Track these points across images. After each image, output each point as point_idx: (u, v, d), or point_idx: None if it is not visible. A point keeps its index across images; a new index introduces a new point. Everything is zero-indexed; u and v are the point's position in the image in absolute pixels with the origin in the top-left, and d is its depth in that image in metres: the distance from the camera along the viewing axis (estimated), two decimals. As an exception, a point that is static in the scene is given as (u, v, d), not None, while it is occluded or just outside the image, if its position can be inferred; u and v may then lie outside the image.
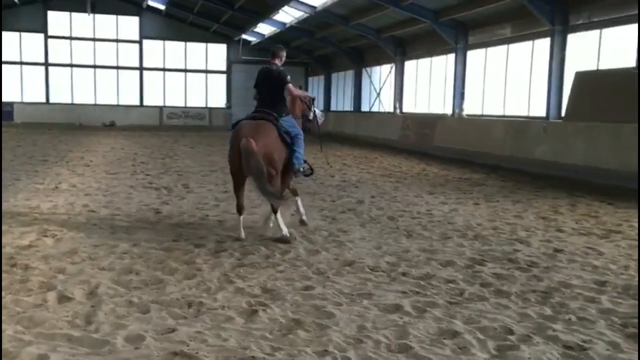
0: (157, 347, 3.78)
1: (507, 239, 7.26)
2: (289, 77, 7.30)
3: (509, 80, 17.95)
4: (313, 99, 8.20)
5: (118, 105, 34.55)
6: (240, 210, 7.08)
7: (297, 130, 7.34)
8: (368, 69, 28.80)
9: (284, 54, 7.60)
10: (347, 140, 25.40)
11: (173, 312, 4.44)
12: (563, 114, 15.02)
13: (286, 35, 30.06)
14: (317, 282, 5.34)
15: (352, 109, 30.32)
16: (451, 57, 20.54)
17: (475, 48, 19.51)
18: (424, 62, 23.30)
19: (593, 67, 14.44)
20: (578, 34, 15.00)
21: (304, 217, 7.83)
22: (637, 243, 7.12)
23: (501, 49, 18.21)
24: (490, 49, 18.81)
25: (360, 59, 29.17)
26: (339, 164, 16.16)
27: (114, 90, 34.76)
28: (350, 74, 30.55)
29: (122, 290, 4.95)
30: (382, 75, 27.37)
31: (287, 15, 26.41)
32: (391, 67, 25.68)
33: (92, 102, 34.34)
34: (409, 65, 24.49)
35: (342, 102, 32.65)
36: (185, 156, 17.45)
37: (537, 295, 5.06)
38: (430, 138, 20.46)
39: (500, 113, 18.17)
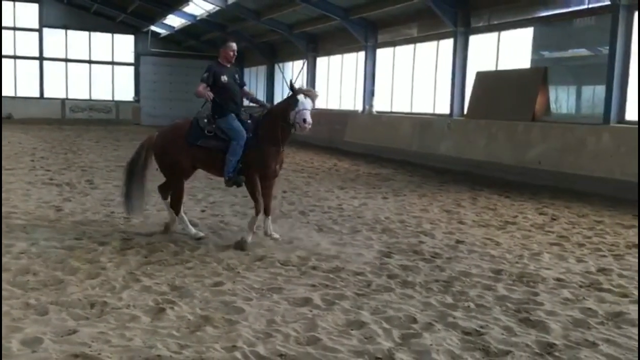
0: (56, 350, 3.61)
1: (413, 232, 7.53)
2: (204, 75, 6.66)
3: (416, 78, 18.54)
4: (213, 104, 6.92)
5: (15, 97, 32.40)
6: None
7: (235, 133, 6.58)
8: (281, 65, 28.78)
9: (226, 47, 6.80)
10: (259, 136, 25.25)
11: (74, 313, 4.26)
12: (465, 111, 15.73)
13: (197, 28, 29.43)
14: (227, 278, 5.31)
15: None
16: (361, 54, 20.93)
17: (384, 46, 19.99)
18: (336, 58, 23.60)
19: (492, 68, 15.20)
20: (479, 35, 15.74)
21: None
22: (529, 233, 7.60)
23: (408, 48, 18.77)
24: (398, 48, 19.34)
25: (273, 54, 29.10)
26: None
27: (11, 81, 32.57)
28: (262, 69, 30.41)
29: (18, 292, 4.69)
30: (294, 71, 27.44)
31: (198, 7, 25.85)
32: (303, 63, 25.81)
33: (-15, 93, 32.05)
34: (321, 61, 24.71)
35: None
36: (90, 151, 16.72)
37: (439, 285, 5.29)
38: (341, 134, 20.79)
39: (408, 110, 18.74)
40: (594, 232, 7.75)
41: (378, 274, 5.61)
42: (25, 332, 3.88)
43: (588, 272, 5.82)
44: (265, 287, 5.07)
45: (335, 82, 23.75)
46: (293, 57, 26.99)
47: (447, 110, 16.45)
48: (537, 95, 13.43)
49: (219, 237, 6.84)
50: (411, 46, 18.63)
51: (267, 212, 6.78)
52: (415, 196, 10.51)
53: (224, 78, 6.73)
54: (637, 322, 4.39)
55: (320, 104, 24.59)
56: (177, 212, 6.88)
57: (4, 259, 5.55)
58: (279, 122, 6.63)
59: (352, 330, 4.16)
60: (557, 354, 3.82)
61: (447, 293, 5.07)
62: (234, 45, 6.86)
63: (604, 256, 6.48)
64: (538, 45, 14.32)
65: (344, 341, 3.94)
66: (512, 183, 12.26)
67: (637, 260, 6.28)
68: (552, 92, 13.84)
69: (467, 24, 15.82)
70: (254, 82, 32.16)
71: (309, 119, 6.37)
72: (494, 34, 15.22)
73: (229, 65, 6.88)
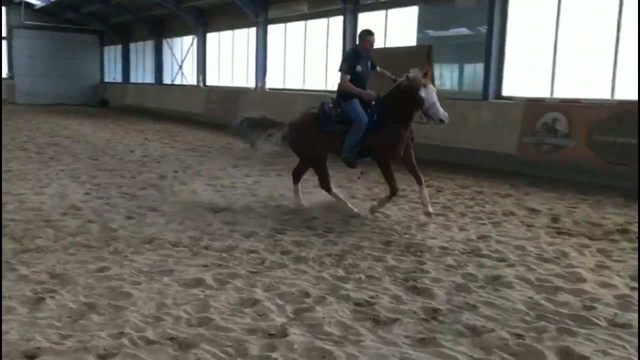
0: None
1: (306, 208, 7.58)
2: (343, 65, 6.93)
3: (307, 55, 18.59)
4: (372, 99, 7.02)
5: None
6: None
7: (356, 116, 6.83)
8: (169, 40, 27.76)
9: (365, 38, 7.03)
10: (148, 114, 24.39)
11: (-61, 309, 3.89)
12: (356, 88, 15.99)
13: (77, 0, 27.65)
14: (114, 262, 5.08)
15: (153, 82, 29.06)
16: (253, 30, 20.66)
17: (275, 23, 19.84)
18: (226, 34, 23.12)
19: (381, 45, 15.55)
20: (368, 13, 16.01)
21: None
22: (417, 205, 7.90)
23: (300, 24, 18.76)
24: (290, 24, 19.28)
25: (161, 29, 27.95)
26: (140, 139, 15.47)
27: None
28: (150, 44, 29.17)
29: None
30: (184, 47, 26.59)
31: (76, -23, 24.28)
32: (193, 39, 25.06)
33: None
34: (211, 37, 24.10)
35: (142, 74, 31.11)
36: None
37: (332, 259, 5.38)
38: (234, 111, 20.47)
39: (301, 87, 18.79)
40: (475, 201, 8.21)
41: (272, 250, 5.61)
42: None
43: (469, 239, 6.15)
44: (154, 269, 4.90)
45: (226, 58, 23.30)
46: (182, 33, 26.12)
47: (338, 87, 16.64)
48: (422, 72, 13.88)
49: (104, 220, 6.51)
50: (302, 23, 18.62)
51: (419, 182, 6.94)
52: (309, 173, 10.55)
53: (359, 68, 6.92)
54: (513, 284, 4.71)
55: (213, 80, 24.08)
56: (329, 191, 7.29)
57: None
58: (407, 102, 6.73)
59: (245, 308, 4.13)
60: (441, 318, 4.02)
61: (339, 266, 5.16)
62: (373, 38, 7.11)
63: (484, 224, 6.89)
64: (423, 23, 14.81)
65: (237, 320, 3.91)
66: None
67: (512, 227, 6.74)
68: (436, 70, 14.39)
69: (356, 1, 16.03)
70: (141, 58, 30.85)
71: (444, 114, 6.48)
72: (382, 12, 15.55)
73: (364, 54, 7.04)
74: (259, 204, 7.76)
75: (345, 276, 4.89)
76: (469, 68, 14.86)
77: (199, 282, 4.64)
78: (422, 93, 6.51)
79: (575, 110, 10.34)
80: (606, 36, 10.60)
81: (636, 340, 3.67)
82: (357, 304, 4.25)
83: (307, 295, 4.41)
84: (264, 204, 7.74)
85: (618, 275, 4.99)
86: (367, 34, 7.05)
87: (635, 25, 10.10)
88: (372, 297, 4.37)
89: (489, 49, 12.25)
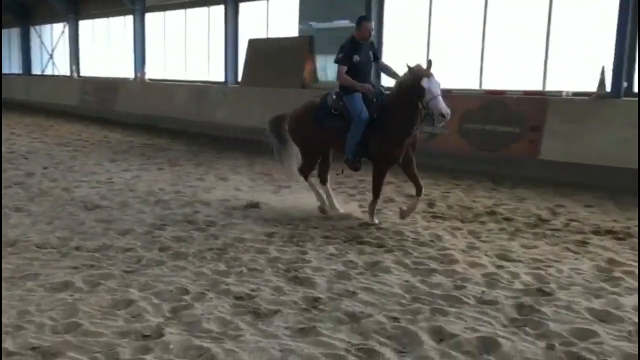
0: None
1: (188, 202, 7.37)
2: (338, 55, 6.36)
3: (188, 45, 18.08)
4: (377, 93, 6.39)
5: None
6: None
7: (354, 114, 6.24)
8: (37, 27, 25.84)
9: (361, 26, 6.39)
10: (15, 107, 22.60)
11: None
12: (240, 79, 15.80)
13: None
14: (-31, 269, 4.63)
15: (20, 72, 26.96)
16: (129, 19, 19.73)
17: (153, 11, 19.06)
18: (101, 22, 21.90)
19: (264, 36, 15.45)
20: (249, 2, 15.82)
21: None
22: (301, 195, 7.94)
23: (179, 13, 18.18)
24: (169, 13, 18.63)
25: (27, 15, 25.95)
26: (5, 134, 14.30)
27: None
28: (15, 31, 27.00)
29: None
30: (54, 35, 24.87)
31: None
32: (64, 26, 23.51)
33: None
34: (85, 25, 22.73)
35: (7, 63, 28.71)
36: None
37: (213, 253, 5.26)
38: (112, 103, 19.50)
39: (183, 77, 18.25)
40: (357, 190, 8.39)
41: (149, 248, 5.38)
42: None
43: (351, 227, 6.26)
44: (17, 274, 4.53)
45: (102, 47, 22.10)
46: (52, 19, 24.41)
47: (222, 78, 16.35)
48: (304, 63, 14.00)
49: (-40, 224, 5.94)
50: (182, 11, 18.07)
51: (418, 192, 6.45)
52: (191, 165, 10.32)
53: (356, 58, 6.35)
54: (391, 269, 4.85)
55: (87, 71, 22.76)
56: (306, 179, 7.01)
57: None
58: (406, 102, 6.08)
59: (118, 310, 3.92)
60: (321, 306, 4.04)
61: (220, 260, 5.05)
62: (370, 25, 6.49)
63: (365, 211, 7.04)
64: (304, 15, 14.89)
65: (109, 323, 3.69)
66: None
67: (392, 213, 6.96)
68: (319, 61, 14.54)
69: (237, -11, 15.80)
70: (6, 47, 28.50)
71: (445, 109, 5.80)
72: (263, 2, 15.44)
73: (363, 43, 6.42)
74: (137, 199, 7.44)
75: (226, 270, 4.80)
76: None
77: (67, 286, 4.34)
78: (425, 83, 5.90)
79: (448, 99, 10.84)
80: (474, 30, 11.23)
81: (502, 316, 3.91)
82: (238, 298, 4.18)
83: (186, 292, 4.27)
84: (142, 200, 7.43)
85: (486, 255, 5.31)
86: (363, 21, 6.45)
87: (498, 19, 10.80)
88: (253, 290, 4.31)
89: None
